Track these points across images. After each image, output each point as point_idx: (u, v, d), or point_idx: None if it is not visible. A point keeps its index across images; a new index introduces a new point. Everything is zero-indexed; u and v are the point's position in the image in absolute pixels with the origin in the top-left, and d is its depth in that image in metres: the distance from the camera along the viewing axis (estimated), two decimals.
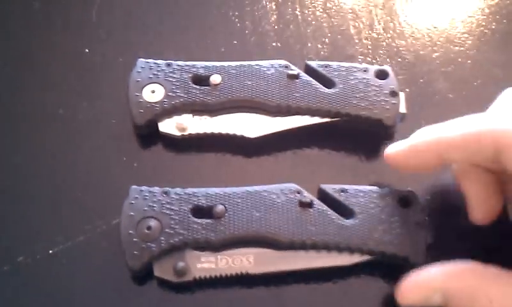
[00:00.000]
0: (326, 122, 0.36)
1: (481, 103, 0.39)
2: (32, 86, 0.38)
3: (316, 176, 0.35)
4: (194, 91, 0.35)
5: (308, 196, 0.32)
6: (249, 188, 0.32)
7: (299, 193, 0.32)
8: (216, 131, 0.35)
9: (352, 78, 0.36)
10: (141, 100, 0.35)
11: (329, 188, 0.33)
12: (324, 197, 0.33)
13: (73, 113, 0.37)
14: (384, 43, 0.42)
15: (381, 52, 0.42)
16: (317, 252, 0.31)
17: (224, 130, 0.35)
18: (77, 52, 0.40)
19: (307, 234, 0.31)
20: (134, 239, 0.30)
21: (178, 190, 0.32)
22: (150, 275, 0.31)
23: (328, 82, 0.36)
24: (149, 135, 0.36)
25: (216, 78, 0.35)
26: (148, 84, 0.35)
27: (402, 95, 0.36)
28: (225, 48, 0.41)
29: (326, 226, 0.31)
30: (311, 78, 0.36)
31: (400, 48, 0.42)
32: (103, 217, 0.33)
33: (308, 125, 0.35)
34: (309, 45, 0.42)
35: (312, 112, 0.35)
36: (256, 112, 0.36)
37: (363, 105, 0.35)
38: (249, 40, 0.42)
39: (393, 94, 0.36)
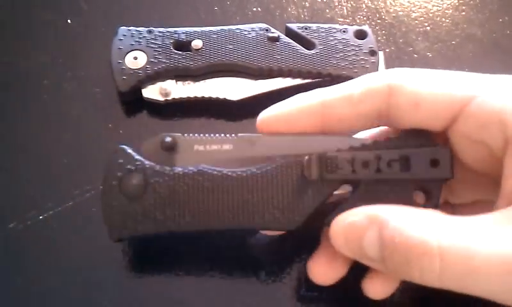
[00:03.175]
0: (308, 83, 0.36)
1: (460, 62, 0.40)
2: (16, 58, 0.39)
3: None
4: (176, 56, 0.36)
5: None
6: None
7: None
8: (199, 95, 0.36)
9: (331, 39, 0.37)
10: (124, 67, 0.35)
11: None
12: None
13: (57, 83, 0.38)
14: (363, 5, 0.43)
15: (360, 14, 0.42)
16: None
17: (207, 94, 0.36)
18: (60, 23, 0.40)
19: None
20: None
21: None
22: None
23: (308, 44, 0.37)
24: (133, 101, 0.36)
25: (197, 44, 0.36)
26: (130, 51, 0.36)
27: (381, 54, 0.37)
28: (206, 15, 0.41)
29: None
30: (291, 41, 0.37)
31: (379, 10, 0.42)
32: (90, 182, 0.33)
33: (289, 86, 0.36)
34: (289, 9, 0.42)
35: (294, 74, 0.36)
36: (239, 76, 0.36)
37: (343, 64, 0.36)
38: (230, 7, 0.42)
39: (372, 53, 0.36)
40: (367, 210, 0.25)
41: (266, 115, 0.28)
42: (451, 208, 0.29)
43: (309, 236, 0.30)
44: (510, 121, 0.23)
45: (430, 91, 0.25)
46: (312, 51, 0.37)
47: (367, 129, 0.29)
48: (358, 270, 0.28)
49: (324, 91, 0.28)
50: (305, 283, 0.30)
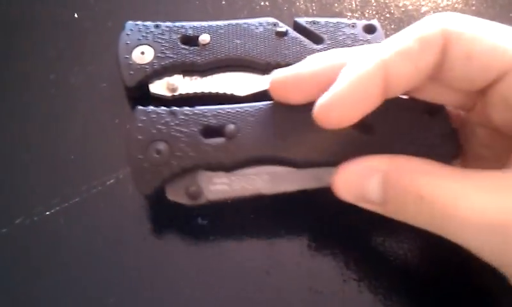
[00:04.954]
0: None
1: None
2: (23, 52, 0.39)
3: None
4: (183, 51, 0.35)
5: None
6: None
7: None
8: (206, 90, 0.35)
9: (340, 33, 0.37)
10: (131, 62, 0.35)
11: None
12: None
13: (64, 78, 0.37)
14: (372, 0, 0.42)
15: (369, 8, 0.42)
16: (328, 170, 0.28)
17: (214, 89, 0.35)
18: (67, 17, 0.40)
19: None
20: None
21: (186, 109, 0.30)
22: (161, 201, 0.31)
23: (316, 39, 0.37)
24: (140, 96, 0.36)
25: (204, 38, 0.36)
26: (137, 46, 0.35)
27: None
28: (213, 9, 0.41)
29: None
30: (299, 35, 0.37)
31: (388, 4, 0.42)
32: (98, 178, 0.33)
33: None
34: (297, 3, 0.42)
35: None
36: (246, 71, 0.36)
37: None
38: (237, 1, 0.42)
39: None
40: (369, 160, 0.26)
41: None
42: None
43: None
44: None
45: (484, 43, 0.24)
46: (320, 46, 0.36)
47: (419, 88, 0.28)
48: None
49: (378, 50, 0.25)
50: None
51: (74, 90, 0.37)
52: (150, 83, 0.35)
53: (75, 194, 0.33)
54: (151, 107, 0.30)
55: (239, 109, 0.29)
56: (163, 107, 0.30)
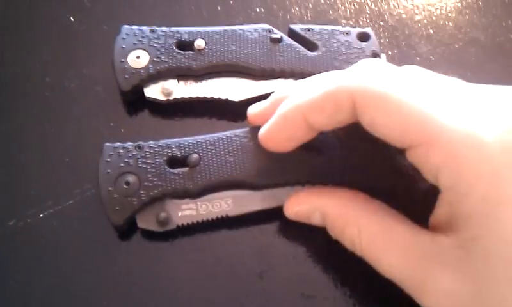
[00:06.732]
0: None
1: (463, 65, 0.40)
2: (19, 55, 0.39)
3: None
4: (178, 56, 0.36)
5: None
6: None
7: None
8: (201, 95, 0.36)
9: (334, 41, 0.37)
10: (126, 66, 0.35)
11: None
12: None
13: (59, 81, 0.38)
14: (366, 8, 0.43)
15: (364, 16, 0.42)
16: (289, 189, 0.32)
17: (209, 94, 0.36)
18: (63, 20, 0.40)
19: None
20: (114, 196, 0.30)
21: (151, 143, 0.32)
22: (134, 230, 0.32)
23: (310, 45, 0.37)
24: (135, 100, 0.36)
25: (200, 43, 0.36)
26: (132, 50, 0.36)
27: (383, 57, 0.37)
28: (209, 14, 0.41)
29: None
30: (294, 42, 0.37)
31: (383, 12, 0.42)
32: (91, 181, 0.33)
33: None
34: (292, 10, 0.42)
35: (295, 75, 0.36)
36: (241, 76, 0.36)
37: (345, 67, 0.36)
38: (233, 7, 0.42)
39: (375, 56, 0.36)
40: (312, 200, 0.30)
41: (266, 129, 0.30)
42: None
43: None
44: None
45: (389, 116, 0.25)
46: (315, 53, 0.36)
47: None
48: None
49: (299, 102, 0.28)
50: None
51: (69, 93, 0.37)
52: (145, 87, 0.35)
53: (69, 196, 0.33)
54: (118, 143, 0.32)
55: (200, 140, 0.32)
56: (129, 143, 0.32)
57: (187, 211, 0.32)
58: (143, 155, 0.31)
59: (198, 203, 0.32)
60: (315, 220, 0.30)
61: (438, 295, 0.24)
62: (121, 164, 0.31)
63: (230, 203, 0.32)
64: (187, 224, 0.32)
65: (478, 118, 0.24)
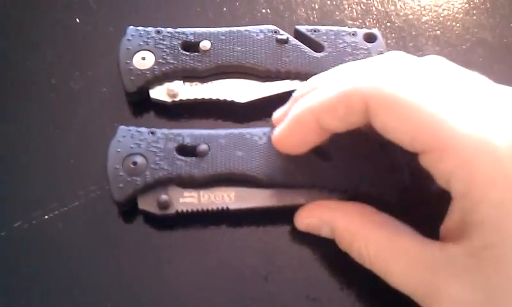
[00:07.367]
0: None
1: (470, 66, 0.40)
2: (24, 57, 0.39)
3: None
4: (184, 57, 0.35)
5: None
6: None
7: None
8: (206, 97, 0.36)
9: (341, 42, 0.37)
10: (132, 68, 0.35)
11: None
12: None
13: (65, 82, 0.37)
14: (373, 8, 0.42)
15: (370, 17, 0.42)
16: (293, 191, 0.32)
17: (214, 95, 0.36)
18: (68, 22, 0.40)
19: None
20: (120, 173, 0.31)
21: (164, 130, 0.33)
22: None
23: (316, 46, 0.37)
24: (140, 102, 0.36)
25: (205, 44, 0.36)
26: (138, 51, 0.36)
27: None
28: (214, 15, 0.41)
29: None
30: (300, 43, 0.37)
31: (389, 13, 0.42)
32: (96, 182, 0.33)
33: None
34: (298, 11, 0.42)
35: (301, 76, 0.36)
36: (246, 78, 0.36)
37: None
38: (239, 8, 0.42)
39: None
40: (320, 214, 0.31)
41: (279, 132, 0.30)
42: None
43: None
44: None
45: (401, 120, 0.25)
46: (321, 54, 0.36)
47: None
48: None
49: (311, 104, 0.28)
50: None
51: (74, 94, 0.37)
52: (151, 88, 0.35)
53: (74, 198, 0.33)
54: (132, 127, 0.33)
55: (212, 133, 0.33)
56: (143, 127, 0.33)
57: (188, 198, 0.32)
58: (155, 139, 0.32)
59: (201, 192, 0.32)
60: (324, 233, 0.30)
61: (449, 304, 0.24)
62: (132, 146, 0.32)
63: (232, 196, 0.32)
64: (187, 211, 0.32)
65: (490, 122, 0.24)
